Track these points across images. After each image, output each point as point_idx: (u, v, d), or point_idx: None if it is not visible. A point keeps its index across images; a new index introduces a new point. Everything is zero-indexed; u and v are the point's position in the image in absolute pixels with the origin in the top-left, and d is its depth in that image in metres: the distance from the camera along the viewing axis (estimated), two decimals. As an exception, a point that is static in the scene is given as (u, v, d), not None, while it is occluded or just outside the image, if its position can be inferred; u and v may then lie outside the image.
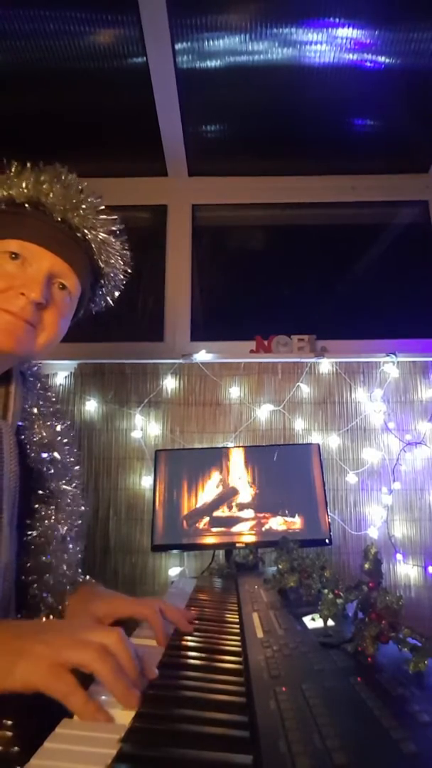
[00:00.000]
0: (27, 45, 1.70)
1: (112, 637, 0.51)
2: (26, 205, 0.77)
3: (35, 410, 0.84)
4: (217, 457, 1.70)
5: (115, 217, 0.85)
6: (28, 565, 0.78)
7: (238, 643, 0.67)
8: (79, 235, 0.81)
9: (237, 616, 0.83)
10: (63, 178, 0.80)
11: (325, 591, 0.68)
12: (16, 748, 0.57)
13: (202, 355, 2.00)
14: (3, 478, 0.74)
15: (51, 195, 0.77)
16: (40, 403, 0.86)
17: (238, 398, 1.99)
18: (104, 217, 0.83)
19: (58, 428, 0.86)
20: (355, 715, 0.42)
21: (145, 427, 1.96)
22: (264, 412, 1.98)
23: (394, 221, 2.38)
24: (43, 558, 0.78)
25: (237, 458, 1.69)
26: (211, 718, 0.45)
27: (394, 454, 1.92)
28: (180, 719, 0.45)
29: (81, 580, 0.85)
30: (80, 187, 0.81)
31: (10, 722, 0.60)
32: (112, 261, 0.86)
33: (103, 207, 0.83)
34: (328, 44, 1.71)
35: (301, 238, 2.42)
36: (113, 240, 0.84)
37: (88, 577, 0.88)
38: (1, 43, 1.69)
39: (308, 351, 2.02)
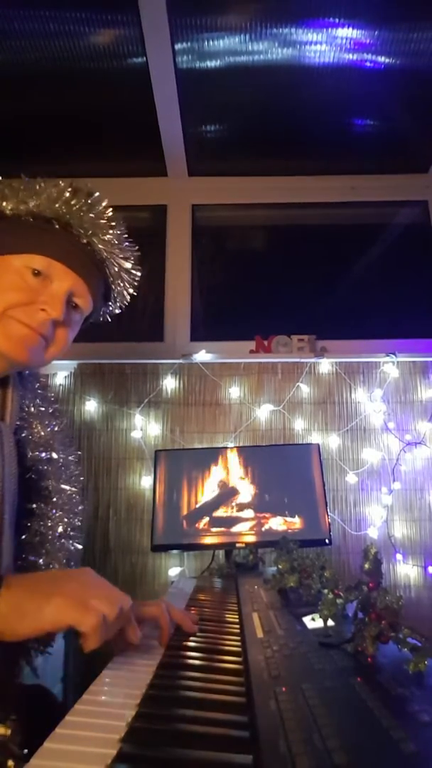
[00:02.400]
0: (27, 45, 1.70)
1: (126, 598, 0.60)
2: (55, 223, 0.78)
3: (33, 409, 0.85)
4: (217, 457, 1.70)
5: (136, 248, 0.87)
6: (25, 563, 0.78)
7: (238, 643, 0.67)
8: (99, 258, 0.83)
9: (237, 616, 0.82)
10: (92, 200, 0.80)
11: (325, 591, 0.68)
12: (16, 748, 0.58)
13: (202, 355, 2.00)
14: (5, 480, 0.74)
15: (82, 219, 0.78)
16: (38, 402, 0.86)
17: (238, 398, 1.99)
18: (126, 243, 0.85)
19: (56, 427, 0.87)
20: (355, 715, 0.43)
21: (145, 427, 1.96)
22: (264, 412, 1.98)
23: (394, 221, 2.38)
24: (40, 560, 0.79)
25: (237, 458, 1.69)
26: (211, 718, 0.45)
27: (394, 454, 1.92)
28: (180, 719, 0.45)
29: None
30: (108, 212, 0.82)
31: (10, 722, 0.60)
32: (124, 284, 0.88)
33: (124, 232, 0.85)
34: (328, 44, 1.71)
35: (301, 238, 2.42)
36: (129, 267, 0.87)
37: None
38: (1, 43, 1.69)
39: (308, 351, 2.02)
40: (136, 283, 0.90)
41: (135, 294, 0.91)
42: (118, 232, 0.83)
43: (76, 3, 1.58)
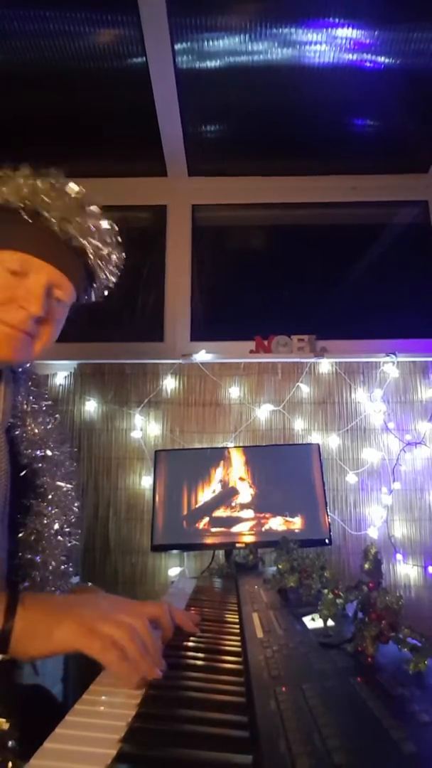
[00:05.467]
0: (27, 45, 1.70)
1: (139, 620, 0.58)
2: (23, 213, 0.75)
3: (27, 407, 0.84)
4: (216, 457, 1.70)
5: (111, 224, 0.84)
6: (22, 560, 0.78)
7: (238, 643, 0.67)
8: (75, 243, 0.80)
9: (237, 616, 0.82)
10: (59, 185, 0.78)
11: (325, 591, 0.68)
12: (13, 743, 0.58)
13: (202, 355, 2.00)
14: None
15: (50, 205, 0.76)
16: (31, 399, 0.86)
17: (238, 398, 1.99)
18: (101, 224, 0.82)
19: (50, 425, 0.86)
20: (355, 715, 0.42)
21: (144, 427, 1.96)
22: (264, 412, 1.98)
23: (394, 221, 2.38)
24: (37, 557, 0.78)
25: (237, 458, 1.69)
26: (211, 718, 0.45)
27: (394, 454, 1.92)
28: (180, 719, 0.45)
29: (83, 584, 0.87)
30: (76, 193, 0.80)
31: (10, 722, 0.60)
32: (106, 266, 0.85)
33: (99, 214, 0.82)
34: (328, 44, 1.71)
35: (301, 238, 2.42)
36: (109, 246, 0.84)
37: (90, 584, 0.89)
38: (1, 43, 1.69)
39: (308, 351, 2.02)
40: (119, 262, 0.87)
41: (120, 273, 0.88)
42: (90, 210, 0.80)
43: (76, 3, 1.58)
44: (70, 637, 0.54)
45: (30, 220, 0.75)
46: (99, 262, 0.84)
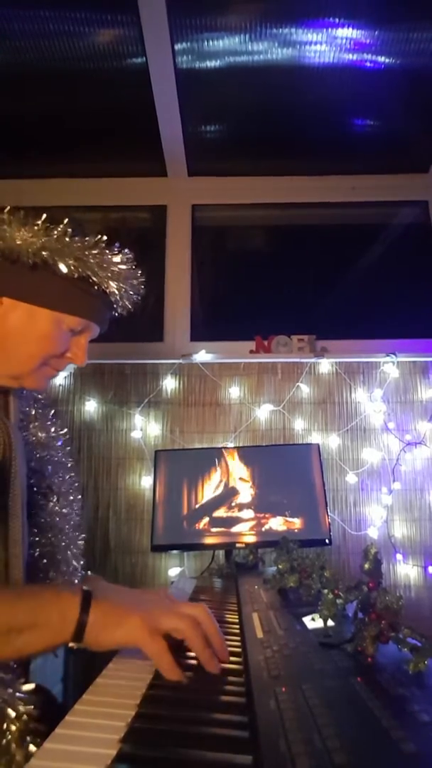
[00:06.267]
0: (27, 45, 1.69)
1: (200, 609, 0.63)
2: (87, 281, 0.79)
3: (32, 412, 0.90)
4: (216, 458, 1.70)
5: (142, 279, 0.87)
6: (37, 552, 0.84)
7: (238, 644, 0.67)
8: (107, 293, 0.83)
9: (237, 616, 0.83)
10: (105, 254, 0.80)
11: (325, 591, 0.68)
12: (17, 748, 0.58)
13: (202, 356, 2.00)
14: (19, 474, 0.77)
15: (96, 269, 0.78)
16: (35, 404, 0.92)
17: (238, 398, 1.99)
18: (133, 281, 0.85)
19: (52, 428, 0.92)
20: (355, 715, 0.42)
21: (144, 428, 1.96)
22: (264, 412, 1.98)
23: (394, 221, 2.38)
24: (48, 547, 0.85)
25: (237, 458, 1.69)
26: (211, 718, 0.45)
27: (394, 454, 1.91)
28: (180, 719, 0.45)
29: (86, 573, 0.91)
30: (102, 243, 0.80)
31: (10, 721, 0.60)
32: (125, 299, 0.88)
33: (121, 253, 0.83)
34: (328, 44, 1.71)
35: (301, 238, 2.42)
36: (132, 295, 0.87)
37: (89, 572, 0.93)
38: (1, 43, 1.69)
39: (308, 351, 2.02)
40: (137, 295, 0.89)
41: (138, 303, 0.92)
42: (129, 271, 0.83)
43: (76, 3, 1.58)
44: (134, 633, 0.58)
45: (89, 289, 0.80)
46: (123, 300, 0.87)
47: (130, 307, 0.89)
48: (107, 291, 0.82)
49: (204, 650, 0.59)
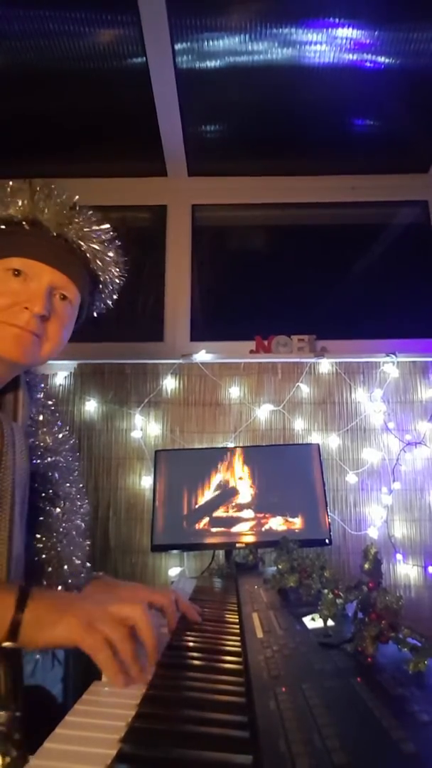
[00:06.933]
0: (27, 45, 1.69)
1: (138, 611, 0.61)
2: (24, 224, 0.81)
3: (40, 417, 0.90)
4: (216, 458, 1.70)
5: (108, 226, 0.89)
6: (42, 558, 0.84)
7: (238, 644, 0.67)
8: (74, 246, 0.85)
9: (237, 616, 0.83)
10: (56, 193, 0.84)
11: (325, 591, 0.68)
12: (16, 734, 0.59)
13: (202, 355, 2.00)
14: (16, 473, 0.77)
15: (46, 212, 0.82)
16: (42, 410, 0.92)
17: (238, 398, 1.99)
18: (97, 227, 0.87)
19: (60, 435, 0.92)
20: (355, 715, 0.42)
21: (144, 427, 1.96)
22: (264, 412, 1.98)
23: (394, 221, 2.38)
24: (53, 552, 0.84)
25: (237, 458, 1.69)
26: (211, 718, 0.45)
27: (394, 454, 1.92)
28: (180, 719, 0.45)
29: (94, 574, 0.93)
30: (73, 201, 0.86)
31: (11, 722, 0.60)
32: (108, 267, 0.90)
33: (95, 219, 0.87)
34: (328, 44, 1.71)
35: (301, 238, 2.42)
36: (107, 247, 0.88)
37: (102, 573, 0.97)
38: (1, 43, 1.69)
39: (308, 351, 2.02)
40: (122, 261, 0.91)
41: (124, 277, 0.93)
42: (87, 215, 0.86)
43: (76, 3, 1.58)
44: (70, 630, 0.57)
45: (28, 228, 0.81)
46: (99, 263, 0.88)
47: (110, 261, 0.88)
48: (64, 235, 0.82)
49: (117, 661, 0.56)
